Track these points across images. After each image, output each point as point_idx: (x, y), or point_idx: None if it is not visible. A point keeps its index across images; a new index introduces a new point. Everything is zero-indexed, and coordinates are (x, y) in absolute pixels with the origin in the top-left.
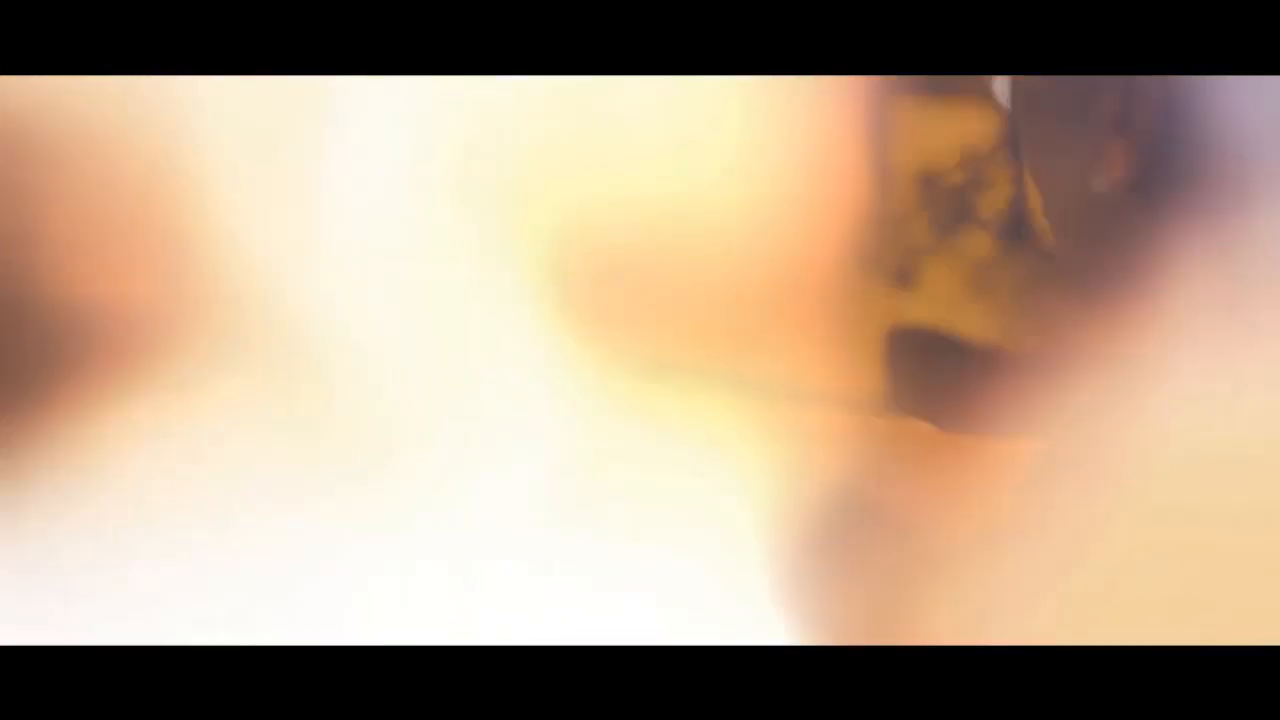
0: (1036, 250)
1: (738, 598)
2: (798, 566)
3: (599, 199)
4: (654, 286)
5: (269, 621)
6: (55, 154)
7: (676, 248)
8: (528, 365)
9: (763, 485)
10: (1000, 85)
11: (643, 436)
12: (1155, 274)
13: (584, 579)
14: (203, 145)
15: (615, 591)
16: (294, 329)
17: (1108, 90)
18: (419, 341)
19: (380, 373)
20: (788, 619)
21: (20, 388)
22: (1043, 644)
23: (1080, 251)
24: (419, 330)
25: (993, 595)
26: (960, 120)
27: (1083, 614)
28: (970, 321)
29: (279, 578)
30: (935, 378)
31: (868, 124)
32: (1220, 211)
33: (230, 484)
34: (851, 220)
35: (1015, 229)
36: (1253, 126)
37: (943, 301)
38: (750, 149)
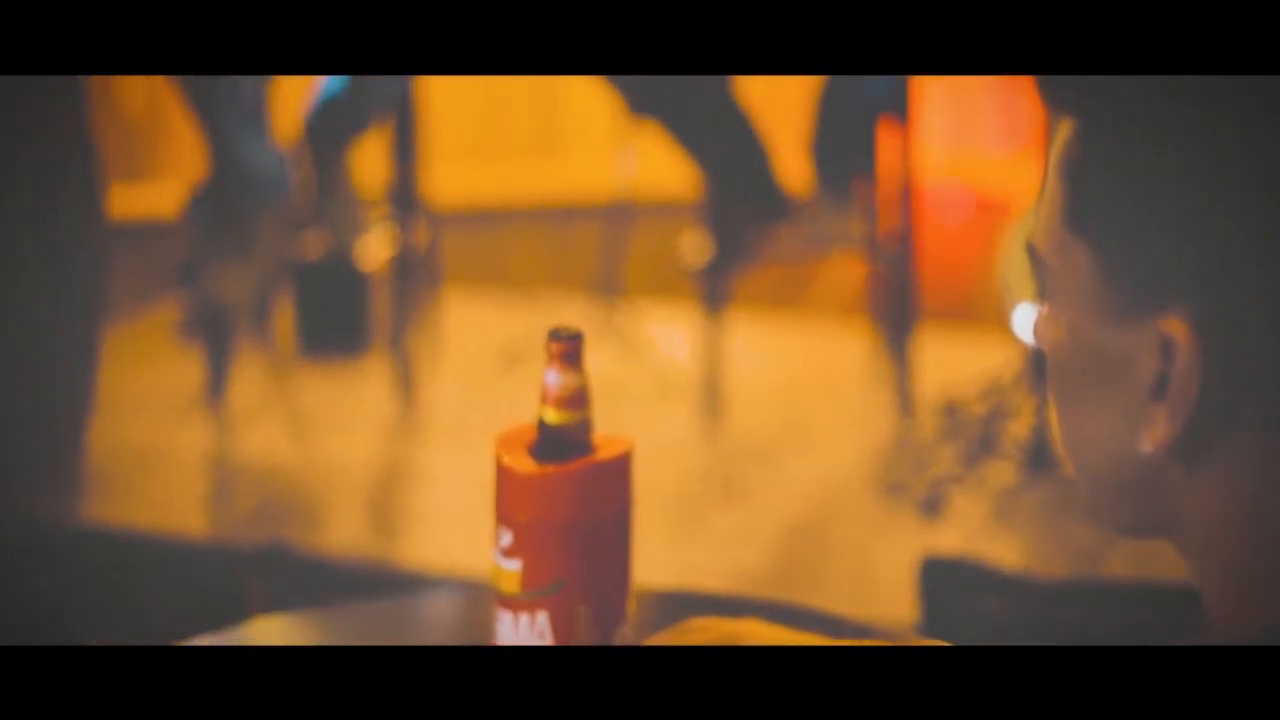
0: (1061, 478)
1: None
2: None
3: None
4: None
5: None
6: None
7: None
8: None
9: None
10: (1020, 319)
11: None
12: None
13: None
14: None
15: None
16: None
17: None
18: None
19: None
20: None
21: None
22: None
23: (1117, 505)
24: None
25: None
26: (982, 350)
27: None
28: (999, 549)
29: None
30: (967, 605)
31: (891, 356)
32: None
33: None
34: (879, 452)
35: (1039, 457)
36: None
37: (970, 530)
38: (778, 386)
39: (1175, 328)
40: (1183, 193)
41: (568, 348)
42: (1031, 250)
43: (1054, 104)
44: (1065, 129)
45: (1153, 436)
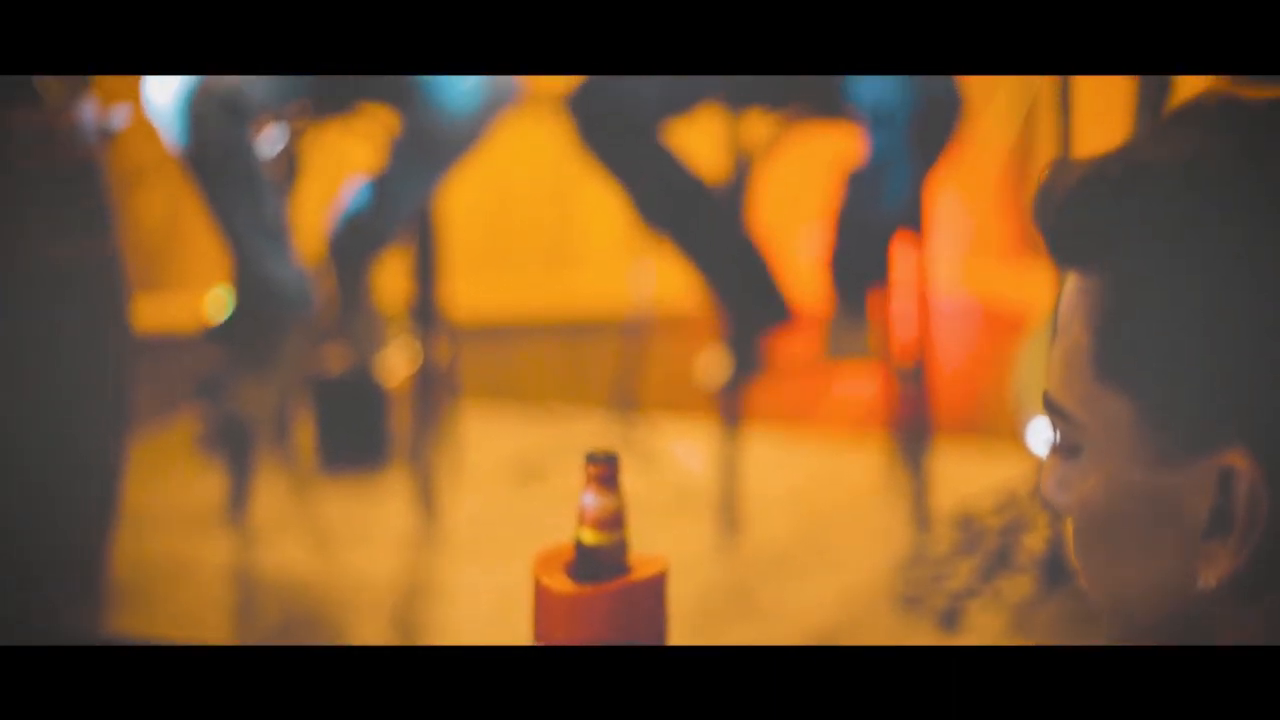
0: (1076, 590)
1: None
2: None
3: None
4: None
5: None
6: None
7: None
8: None
9: None
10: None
11: None
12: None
13: None
14: None
15: None
16: None
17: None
18: None
19: None
20: None
21: None
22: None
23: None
24: None
25: None
26: (998, 463)
27: None
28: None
29: None
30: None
31: (906, 469)
32: None
33: None
34: (896, 565)
35: (1054, 570)
36: None
37: (988, 643)
38: (795, 499)
39: (1236, 459)
40: (1224, 327)
41: (605, 470)
42: (1051, 404)
43: (1066, 261)
44: (1074, 282)
45: (1214, 572)
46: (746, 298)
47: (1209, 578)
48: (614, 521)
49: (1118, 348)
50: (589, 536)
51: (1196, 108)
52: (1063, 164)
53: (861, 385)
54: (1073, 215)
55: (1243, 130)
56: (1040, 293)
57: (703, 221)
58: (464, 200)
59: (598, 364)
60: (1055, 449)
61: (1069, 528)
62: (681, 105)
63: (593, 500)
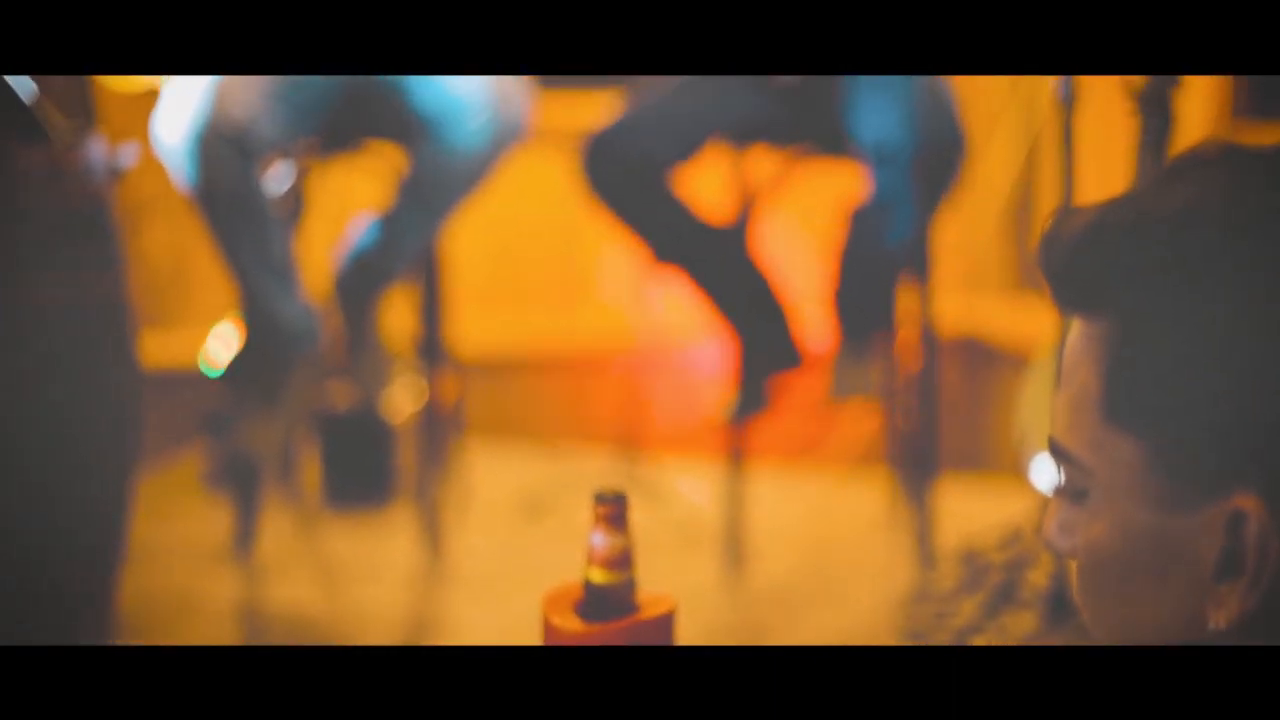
0: (1080, 626)
1: None
2: None
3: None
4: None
5: None
6: None
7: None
8: None
9: None
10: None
11: None
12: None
13: None
14: None
15: None
16: None
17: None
18: None
19: None
20: None
21: None
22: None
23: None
24: None
25: None
26: (1001, 499)
27: None
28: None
29: None
30: None
31: (910, 505)
32: None
33: None
34: (900, 601)
35: (1058, 606)
36: None
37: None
38: (800, 536)
39: (1246, 501)
40: (1233, 370)
41: (613, 510)
42: (1057, 449)
43: (1073, 307)
44: (1079, 327)
45: (1224, 614)
46: (759, 342)
47: (1219, 619)
48: (622, 561)
49: (1127, 391)
50: (598, 576)
51: (1200, 155)
52: (1068, 212)
53: (866, 422)
54: (1080, 261)
55: (1246, 176)
56: (1042, 329)
57: (716, 268)
58: (470, 237)
59: (603, 400)
60: (1060, 493)
61: (1073, 567)
62: (689, 149)
63: (601, 540)
